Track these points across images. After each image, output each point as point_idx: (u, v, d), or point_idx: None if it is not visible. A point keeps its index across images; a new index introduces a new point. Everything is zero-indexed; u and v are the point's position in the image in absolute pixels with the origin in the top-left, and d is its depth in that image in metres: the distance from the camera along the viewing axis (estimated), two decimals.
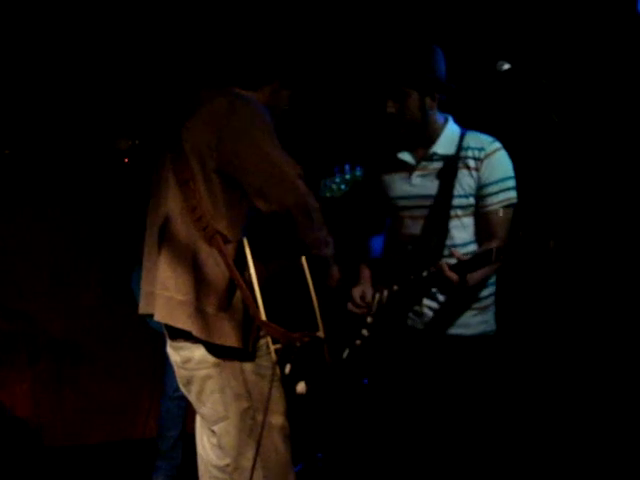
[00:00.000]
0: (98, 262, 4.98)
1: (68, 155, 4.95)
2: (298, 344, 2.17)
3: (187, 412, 4.07)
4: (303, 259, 2.30)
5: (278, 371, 2.22)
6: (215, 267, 2.21)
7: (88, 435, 4.99)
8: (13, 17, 4.26)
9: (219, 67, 2.49)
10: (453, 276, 2.53)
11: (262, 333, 2.25)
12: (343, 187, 2.84)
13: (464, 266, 2.54)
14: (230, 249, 2.21)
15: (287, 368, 2.20)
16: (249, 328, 2.22)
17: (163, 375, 4.05)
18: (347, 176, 2.82)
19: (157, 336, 4.05)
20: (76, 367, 5.01)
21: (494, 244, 2.54)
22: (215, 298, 2.20)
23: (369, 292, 2.88)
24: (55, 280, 4.97)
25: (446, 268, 2.54)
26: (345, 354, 2.83)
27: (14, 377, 4.89)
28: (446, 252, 2.69)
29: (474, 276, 2.59)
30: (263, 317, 2.17)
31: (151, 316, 2.35)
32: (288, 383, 2.26)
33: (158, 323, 3.85)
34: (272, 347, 2.21)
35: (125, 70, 4.60)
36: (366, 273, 2.98)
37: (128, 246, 4.33)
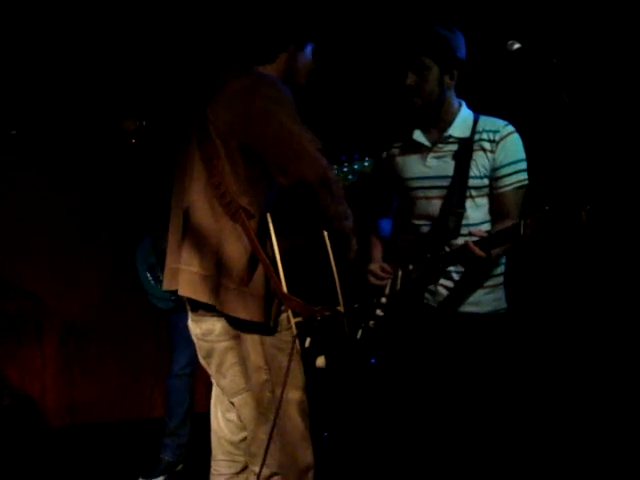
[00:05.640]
0: (106, 243, 5.00)
1: (75, 136, 4.96)
2: (318, 317, 2.20)
3: (196, 391, 4.13)
4: (325, 234, 2.32)
5: (298, 345, 2.25)
6: (238, 242, 2.24)
7: (95, 414, 5.03)
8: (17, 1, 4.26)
9: (230, 46, 2.51)
10: (480, 252, 2.55)
11: (283, 308, 2.28)
12: (350, 177, 2.85)
13: (491, 241, 2.56)
14: (253, 224, 2.24)
15: (307, 341, 2.23)
16: (270, 302, 2.25)
17: (169, 354, 4.10)
18: (355, 166, 2.84)
19: (160, 315, 4.13)
20: (84, 347, 5.06)
21: (509, 223, 2.58)
22: (237, 273, 2.24)
23: (387, 266, 2.92)
24: (63, 260, 5.00)
25: (473, 245, 2.56)
26: (359, 334, 2.86)
27: (24, 356, 4.94)
28: (463, 231, 2.72)
29: (495, 251, 2.62)
30: (284, 290, 2.21)
31: (175, 292, 2.38)
32: (308, 357, 2.29)
33: (163, 302, 3.93)
34: (292, 320, 2.24)
35: (131, 51, 4.60)
36: (377, 253, 3.02)
37: (137, 223, 4.36)
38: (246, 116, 2.25)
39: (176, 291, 2.38)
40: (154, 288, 4.06)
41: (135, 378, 5.13)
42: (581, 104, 2.48)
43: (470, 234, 2.65)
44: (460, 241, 2.66)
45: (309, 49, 2.50)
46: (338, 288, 2.30)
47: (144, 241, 4.17)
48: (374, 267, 2.92)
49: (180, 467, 4.11)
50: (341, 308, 2.29)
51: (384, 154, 3.02)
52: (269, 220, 2.25)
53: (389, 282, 2.88)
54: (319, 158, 2.24)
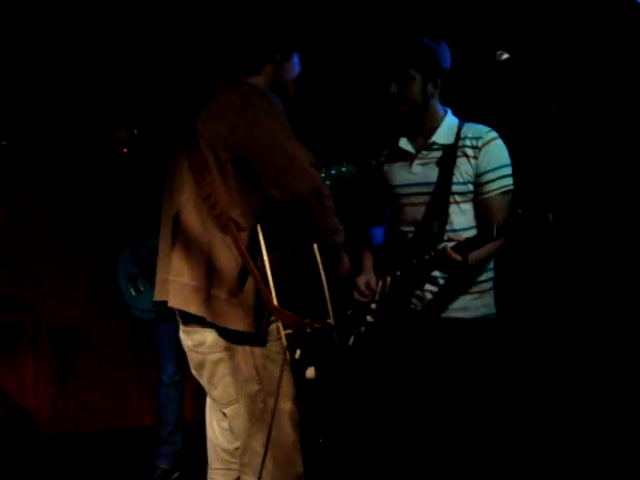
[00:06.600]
0: (100, 253, 4.99)
1: (66, 146, 4.97)
2: (308, 330, 2.21)
3: (184, 399, 4.13)
4: (315, 247, 2.34)
5: (288, 356, 2.26)
6: (228, 254, 2.25)
7: (90, 424, 5.03)
8: (10, 8, 4.26)
9: (218, 57, 2.53)
10: (457, 257, 2.59)
11: (273, 318, 2.29)
12: (328, 183, 2.88)
13: (467, 245, 2.60)
14: (243, 236, 2.25)
15: (297, 353, 2.24)
16: (260, 313, 2.27)
17: (158, 363, 4.10)
18: (332, 171, 2.86)
19: (144, 325, 4.14)
20: (78, 356, 5.05)
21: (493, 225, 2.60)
22: (228, 284, 2.25)
23: (373, 280, 2.96)
24: (57, 271, 5.00)
25: (450, 250, 2.60)
26: (351, 341, 2.88)
27: (18, 366, 4.93)
28: (446, 237, 2.75)
29: (474, 255, 2.65)
30: (275, 303, 2.22)
31: (158, 303, 2.39)
32: (298, 368, 2.31)
33: (145, 314, 3.94)
34: (283, 332, 2.26)
35: (123, 60, 4.61)
36: (368, 262, 3.05)
37: (117, 234, 4.36)
38: (238, 129, 2.26)
39: (162, 302, 2.39)
40: (135, 299, 4.03)
41: (126, 388, 5.13)
42: (569, 113, 2.51)
43: (450, 240, 2.68)
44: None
45: (296, 58, 2.51)
46: (328, 301, 2.32)
47: (123, 252, 4.14)
48: (360, 282, 2.96)
49: (176, 475, 4.11)
50: (331, 320, 2.31)
51: (372, 162, 3.07)
52: (259, 232, 2.26)
53: (379, 288, 2.91)
54: (312, 172, 2.26)
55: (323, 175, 2.81)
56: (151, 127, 4.19)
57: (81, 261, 5.06)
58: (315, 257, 2.33)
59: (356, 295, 2.95)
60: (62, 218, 5.02)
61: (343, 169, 2.84)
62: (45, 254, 4.97)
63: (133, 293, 4.03)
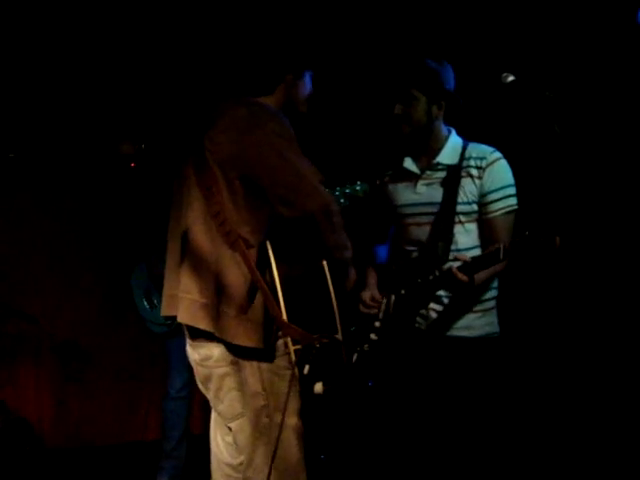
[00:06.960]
0: (103, 265, 5.02)
1: (72, 159, 5.00)
2: (317, 345, 2.24)
3: (190, 413, 4.14)
4: (324, 263, 2.36)
5: (296, 371, 2.29)
6: (237, 271, 2.28)
7: (92, 437, 5.02)
8: (17, 20, 4.30)
9: (229, 78, 2.56)
10: (463, 277, 2.61)
11: (280, 334, 2.31)
12: (342, 201, 2.92)
13: (473, 266, 2.62)
14: (252, 253, 2.27)
15: (306, 369, 2.26)
16: (269, 329, 2.29)
17: (165, 376, 4.12)
18: (347, 190, 2.90)
19: (155, 338, 4.16)
20: (81, 369, 5.04)
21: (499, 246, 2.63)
22: (237, 300, 2.27)
23: (377, 295, 2.97)
24: (60, 282, 5.01)
25: (456, 270, 2.62)
26: (354, 358, 2.90)
27: (19, 378, 4.92)
28: (451, 256, 2.78)
29: (479, 275, 2.67)
30: (284, 318, 2.25)
31: (172, 317, 2.42)
32: (306, 383, 2.33)
33: (158, 327, 3.96)
34: (292, 348, 2.28)
35: (131, 74, 4.65)
36: (372, 279, 3.07)
37: (131, 249, 4.39)
38: (247, 148, 2.29)
39: (174, 317, 2.41)
40: (150, 313, 4.06)
41: (131, 401, 5.13)
42: (572, 135, 2.55)
43: (456, 259, 2.70)
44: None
45: (307, 77, 2.54)
46: (337, 316, 2.35)
47: (139, 267, 4.18)
48: (365, 296, 2.98)
49: None
50: (339, 336, 2.34)
51: (377, 182, 3.09)
52: (269, 249, 2.29)
53: (383, 306, 2.93)
54: (321, 190, 2.29)
55: (337, 193, 2.85)
56: (158, 142, 4.22)
57: (84, 272, 5.07)
58: (324, 273, 2.36)
59: (361, 308, 2.97)
60: (65, 230, 5.03)
61: (357, 187, 2.88)
62: (47, 264, 4.99)
63: (147, 307, 4.07)
